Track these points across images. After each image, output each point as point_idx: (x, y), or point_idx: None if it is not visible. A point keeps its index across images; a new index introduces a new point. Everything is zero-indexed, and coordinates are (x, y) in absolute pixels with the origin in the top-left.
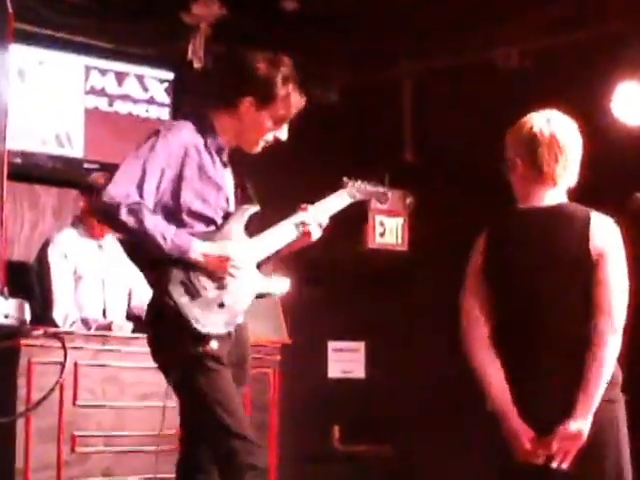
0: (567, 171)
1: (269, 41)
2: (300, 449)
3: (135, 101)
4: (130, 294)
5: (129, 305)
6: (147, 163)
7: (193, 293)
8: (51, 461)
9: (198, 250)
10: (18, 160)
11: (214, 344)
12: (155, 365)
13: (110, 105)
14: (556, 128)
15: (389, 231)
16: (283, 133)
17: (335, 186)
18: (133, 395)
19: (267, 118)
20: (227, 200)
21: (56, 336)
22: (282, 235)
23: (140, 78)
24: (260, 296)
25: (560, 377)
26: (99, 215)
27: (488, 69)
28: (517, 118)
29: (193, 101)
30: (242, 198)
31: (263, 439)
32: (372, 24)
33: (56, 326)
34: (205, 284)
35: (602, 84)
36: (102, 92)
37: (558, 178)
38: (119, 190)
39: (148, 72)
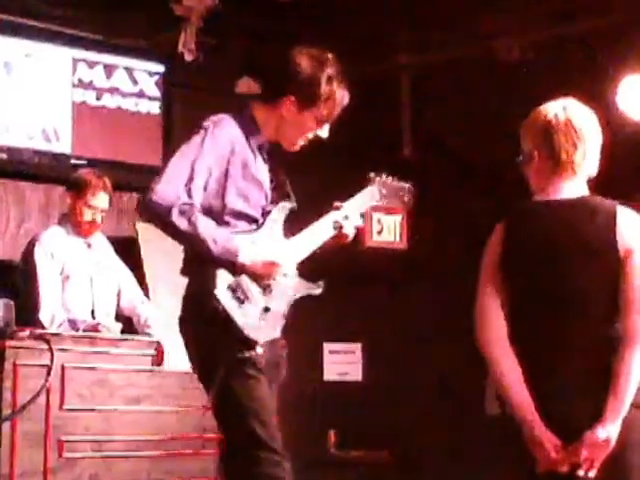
0: (586, 159)
1: (262, 34)
2: (294, 455)
3: (124, 95)
4: (119, 294)
5: (118, 305)
6: (196, 161)
7: (241, 298)
8: (37, 467)
9: (247, 255)
10: (3, 156)
11: (259, 349)
12: (144, 368)
13: (98, 99)
14: (573, 114)
15: (387, 229)
16: (324, 131)
17: (330, 181)
18: (123, 398)
19: (309, 118)
20: (266, 197)
21: (42, 338)
22: (319, 235)
23: (129, 71)
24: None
25: (585, 380)
26: (149, 216)
27: (489, 62)
28: (519, 112)
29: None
30: (279, 195)
31: None
32: (368, 16)
33: (43, 327)
34: (252, 288)
35: (607, 77)
36: (90, 85)
37: (577, 167)
38: (169, 190)
39: (138, 65)
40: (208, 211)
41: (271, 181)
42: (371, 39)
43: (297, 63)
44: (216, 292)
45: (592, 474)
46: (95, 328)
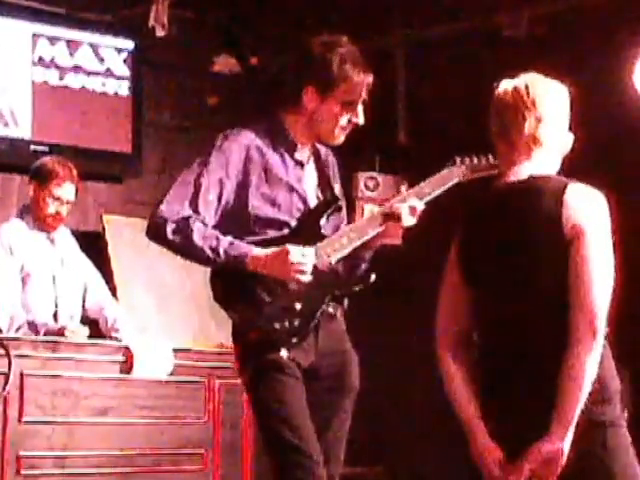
0: (542, 133)
1: (242, 7)
2: None
3: (89, 74)
4: (84, 294)
5: (83, 307)
6: (201, 177)
7: (256, 302)
8: None
9: (256, 257)
10: None
11: (284, 352)
12: (112, 375)
13: (61, 78)
14: (523, 85)
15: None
16: (359, 116)
17: None
18: (88, 409)
19: (333, 104)
20: (304, 200)
21: (0, 343)
22: (372, 225)
23: (95, 47)
24: (337, 298)
25: (534, 386)
26: (148, 235)
27: (492, 37)
28: None
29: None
30: (325, 196)
31: (234, 462)
32: None
33: None
34: (270, 291)
35: (622, 55)
36: (52, 63)
37: (531, 143)
38: (171, 208)
39: (104, 41)
40: (233, 222)
41: (318, 184)
42: (361, 12)
43: (308, 51)
44: (233, 299)
45: None
46: (59, 332)
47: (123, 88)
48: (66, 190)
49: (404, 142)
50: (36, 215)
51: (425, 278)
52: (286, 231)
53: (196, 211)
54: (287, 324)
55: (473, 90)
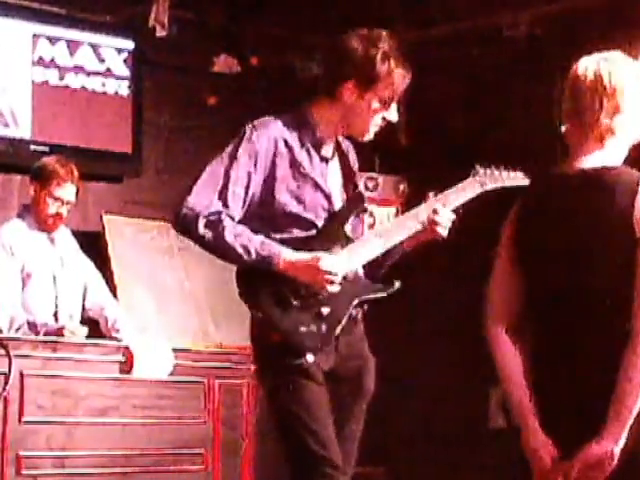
0: (617, 121)
1: (242, 7)
2: (279, 475)
3: (89, 74)
4: (85, 294)
5: (84, 307)
6: (230, 169)
7: (284, 304)
8: None
9: (287, 261)
10: None
11: (310, 357)
12: (111, 375)
13: (61, 78)
14: (605, 68)
15: (379, 222)
16: (393, 114)
17: None
18: (87, 410)
19: (373, 101)
20: (329, 198)
21: (0, 343)
22: (399, 231)
23: (95, 47)
24: (363, 302)
25: (594, 385)
26: (177, 228)
27: (493, 37)
28: (526, 94)
29: None
30: (350, 195)
31: (234, 462)
32: None
33: None
34: (298, 294)
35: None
36: (52, 63)
37: (605, 132)
38: (200, 200)
39: (104, 41)
40: (258, 218)
41: (344, 182)
42: (361, 12)
43: (349, 46)
44: (259, 300)
45: None
46: (58, 332)
47: (123, 88)
48: (67, 191)
49: (404, 142)
50: (37, 215)
51: (426, 279)
52: (313, 231)
53: (225, 205)
54: (314, 329)
55: (473, 90)
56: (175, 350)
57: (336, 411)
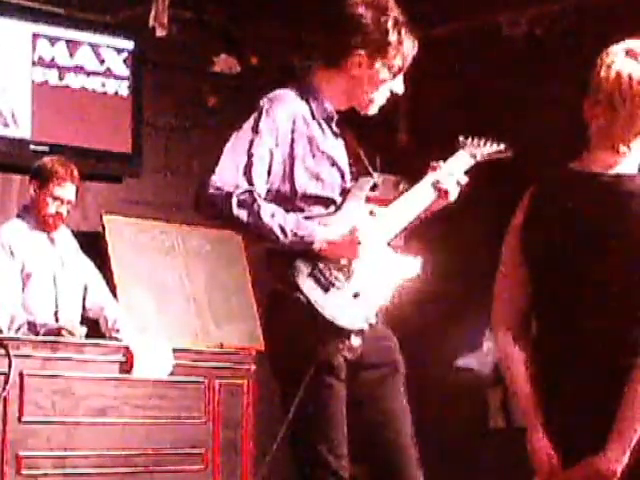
0: (634, 129)
1: (242, 8)
2: (277, 472)
3: (89, 74)
4: (85, 295)
5: (84, 307)
6: (253, 145)
7: (325, 285)
8: None
9: (322, 239)
10: None
11: (355, 341)
12: (111, 375)
13: (61, 78)
14: (628, 66)
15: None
16: (399, 86)
17: None
18: (87, 409)
19: (381, 70)
20: (343, 174)
21: (0, 343)
22: (416, 201)
23: (95, 47)
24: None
25: (600, 389)
26: (206, 210)
27: (492, 37)
28: (526, 93)
29: None
30: (357, 170)
31: (234, 462)
32: None
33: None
34: (336, 274)
35: None
36: (52, 63)
37: (617, 137)
38: (226, 179)
39: (104, 41)
40: (277, 197)
41: (349, 156)
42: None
43: (358, 14)
44: (298, 282)
45: None
46: (57, 332)
47: (123, 88)
48: (67, 190)
49: (404, 142)
50: (36, 215)
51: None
52: (332, 208)
53: (250, 182)
54: (356, 310)
55: (473, 90)
56: (175, 350)
57: (375, 402)
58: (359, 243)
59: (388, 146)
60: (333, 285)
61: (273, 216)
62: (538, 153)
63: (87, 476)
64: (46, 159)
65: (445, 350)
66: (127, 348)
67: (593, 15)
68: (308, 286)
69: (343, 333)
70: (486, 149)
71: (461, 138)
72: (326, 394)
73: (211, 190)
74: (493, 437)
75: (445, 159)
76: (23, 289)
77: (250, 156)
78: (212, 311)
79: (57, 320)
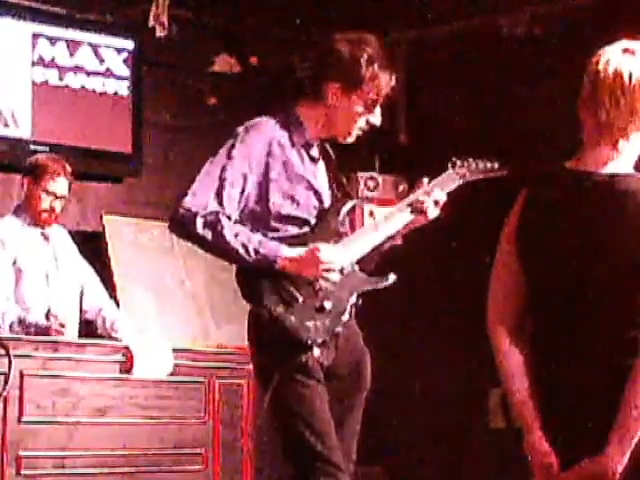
0: (633, 124)
1: (242, 8)
2: (279, 473)
3: (89, 74)
4: (81, 295)
5: (81, 309)
6: (225, 170)
7: (288, 301)
8: None
9: (286, 257)
10: None
11: (317, 352)
12: (111, 375)
13: (61, 78)
14: (626, 62)
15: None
16: (377, 117)
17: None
18: (87, 409)
19: (357, 103)
20: (320, 198)
21: (0, 343)
22: (391, 221)
23: (95, 47)
24: (361, 295)
25: (597, 389)
26: (176, 230)
27: (492, 37)
28: (525, 94)
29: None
30: (337, 194)
31: (234, 462)
32: None
33: None
34: (300, 290)
35: None
36: (52, 63)
37: (619, 131)
38: (197, 201)
39: (104, 40)
40: (252, 218)
41: (329, 180)
42: (361, 12)
43: (335, 48)
44: (263, 298)
45: None
46: (48, 330)
47: (123, 88)
48: (59, 185)
49: (404, 142)
50: (31, 211)
51: (426, 276)
52: (306, 229)
53: (221, 205)
54: (319, 323)
55: (473, 90)
56: (175, 350)
57: (334, 408)
58: (321, 262)
59: (388, 146)
60: (297, 300)
61: (237, 236)
62: (539, 152)
63: (87, 476)
64: (38, 155)
65: (446, 350)
66: (127, 348)
67: (593, 15)
68: (271, 301)
69: (304, 345)
70: (478, 169)
71: (453, 159)
72: (305, 393)
73: (181, 211)
74: (493, 437)
75: (445, 159)
76: (16, 285)
77: (223, 180)
78: (212, 311)
79: (48, 318)
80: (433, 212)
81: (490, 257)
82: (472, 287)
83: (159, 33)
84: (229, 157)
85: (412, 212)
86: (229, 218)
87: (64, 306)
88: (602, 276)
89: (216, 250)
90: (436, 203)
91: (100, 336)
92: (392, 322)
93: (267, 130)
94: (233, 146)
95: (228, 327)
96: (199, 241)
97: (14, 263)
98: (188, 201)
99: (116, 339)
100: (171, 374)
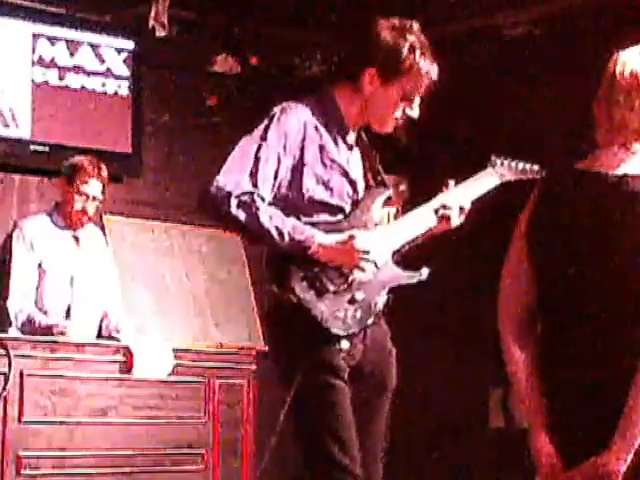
0: None
1: (242, 8)
2: (279, 472)
3: (89, 74)
4: (105, 312)
5: (101, 323)
6: (260, 150)
7: (319, 288)
8: None
9: (320, 244)
10: None
11: (345, 344)
12: (112, 375)
13: (61, 78)
14: None
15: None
16: (415, 109)
17: None
18: (88, 410)
19: (394, 92)
20: (354, 186)
21: (0, 343)
22: (419, 222)
23: (95, 47)
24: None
25: (602, 395)
26: (206, 209)
27: (493, 37)
28: (525, 95)
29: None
30: (373, 182)
31: (234, 462)
32: None
33: (7, 316)
34: (332, 278)
35: None
36: (52, 63)
37: (633, 133)
38: (230, 180)
39: (104, 41)
40: (285, 202)
41: (364, 169)
42: (363, 13)
43: (377, 33)
44: (291, 284)
45: None
46: (47, 329)
47: (123, 88)
48: (92, 187)
49: (405, 142)
50: (63, 212)
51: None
52: (340, 216)
53: (255, 185)
54: (350, 314)
55: (473, 90)
56: (175, 350)
57: (359, 407)
58: (357, 251)
59: (388, 145)
60: (327, 290)
61: (271, 218)
62: (539, 152)
63: (87, 476)
64: (76, 157)
65: (446, 350)
66: (127, 348)
67: (593, 15)
68: (301, 288)
69: (331, 336)
70: (517, 170)
71: (493, 157)
72: (330, 393)
73: (213, 189)
74: (493, 437)
75: (445, 159)
76: (39, 285)
77: (257, 160)
78: (212, 311)
79: (68, 320)
80: (456, 220)
81: (490, 257)
82: (472, 287)
83: (159, 33)
84: (264, 138)
85: (436, 216)
86: (262, 200)
87: (84, 308)
88: (612, 276)
89: (249, 232)
90: (461, 210)
91: (100, 336)
92: (392, 322)
93: (303, 112)
94: (268, 127)
95: (228, 327)
96: (231, 221)
97: (40, 264)
98: (220, 179)
99: (116, 339)
100: (171, 374)
